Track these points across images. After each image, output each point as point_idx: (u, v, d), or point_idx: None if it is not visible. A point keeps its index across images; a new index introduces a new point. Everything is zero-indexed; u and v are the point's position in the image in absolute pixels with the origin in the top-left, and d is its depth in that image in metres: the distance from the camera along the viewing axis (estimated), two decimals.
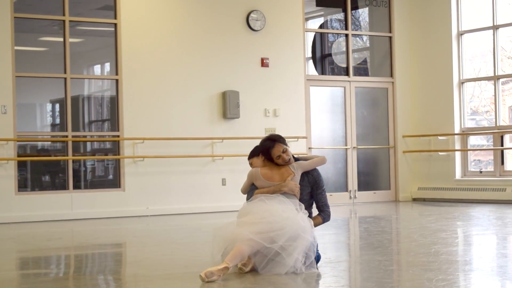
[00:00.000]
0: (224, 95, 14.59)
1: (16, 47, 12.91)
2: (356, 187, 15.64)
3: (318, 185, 7.00)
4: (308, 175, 7.03)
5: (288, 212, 6.55)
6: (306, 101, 15.31)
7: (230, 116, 14.77)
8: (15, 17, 12.98)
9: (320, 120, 15.60)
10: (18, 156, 13.29)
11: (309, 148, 15.24)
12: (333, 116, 15.81)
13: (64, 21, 13.56)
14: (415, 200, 15.74)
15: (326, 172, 15.64)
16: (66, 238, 11.03)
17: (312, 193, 6.98)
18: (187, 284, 6.26)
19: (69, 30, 13.65)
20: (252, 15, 14.77)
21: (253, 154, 7.18)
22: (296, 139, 15.04)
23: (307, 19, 15.99)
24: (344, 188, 15.67)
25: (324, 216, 6.92)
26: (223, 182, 14.98)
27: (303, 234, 6.39)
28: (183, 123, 14.78)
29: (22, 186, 13.56)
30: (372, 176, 16.37)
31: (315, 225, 6.80)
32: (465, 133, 15.18)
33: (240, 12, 14.89)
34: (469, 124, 15.53)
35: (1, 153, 12.95)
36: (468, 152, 15.30)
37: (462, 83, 15.29)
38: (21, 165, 13.54)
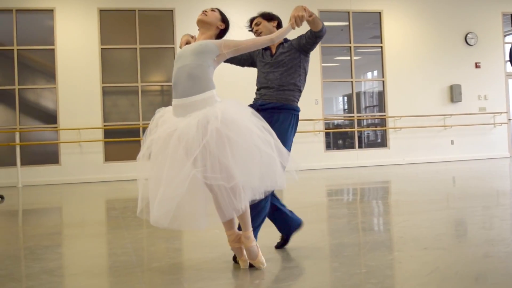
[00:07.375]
0: (451, 87, 16.20)
1: None
2: None
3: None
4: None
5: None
6: (506, 89, 16.68)
7: (455, 100, 16.18)
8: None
9: None
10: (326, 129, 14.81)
11: (509, 119, 16.56)
12: None
13: (350, 47, 15.48)
14: None
15: None
16: (356, 177, 11.88)
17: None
18: (432, 206, 6.32)
19: (353, 52, 15.52)
20: (468, 35, 16.56)
21: None
22: (499, 113, 16.53)
23: (505, 35, 17.12)
24: None
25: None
26: (452, 142, 16.24)
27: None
28: (425, 105, 16.02)
29: (327, 146, 15.15)
30: None
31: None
32: None
33: (460, 34, 16.61)
34: None
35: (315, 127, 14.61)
36: None
37: None
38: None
